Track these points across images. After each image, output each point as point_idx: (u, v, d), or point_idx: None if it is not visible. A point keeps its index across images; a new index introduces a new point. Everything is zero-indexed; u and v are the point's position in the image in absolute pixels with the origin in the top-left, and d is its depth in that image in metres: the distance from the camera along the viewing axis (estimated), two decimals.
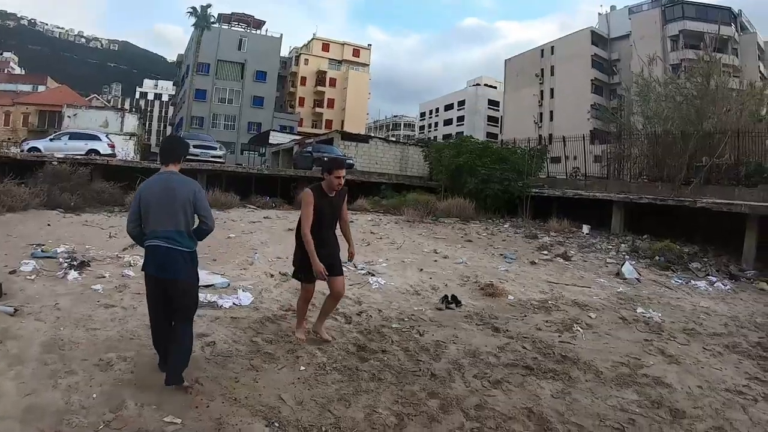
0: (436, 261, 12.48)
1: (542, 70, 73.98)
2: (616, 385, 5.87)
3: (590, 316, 8.69)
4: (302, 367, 5.52)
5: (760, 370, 7.00)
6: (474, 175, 23.98)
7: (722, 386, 6.20)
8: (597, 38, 69.76)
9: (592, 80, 67.25)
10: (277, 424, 4.30)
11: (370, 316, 7.84)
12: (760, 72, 55.15)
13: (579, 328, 7.91)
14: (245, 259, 10.87)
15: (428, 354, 6.41)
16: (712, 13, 57.07)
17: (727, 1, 60.73)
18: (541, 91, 73.50)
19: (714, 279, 12.83)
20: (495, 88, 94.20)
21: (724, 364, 7.04)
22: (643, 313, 9.18)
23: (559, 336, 7.49)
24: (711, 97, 22.20)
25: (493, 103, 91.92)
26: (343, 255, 6.51)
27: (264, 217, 18.65)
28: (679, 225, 17.61)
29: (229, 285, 8.59)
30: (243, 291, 8.18)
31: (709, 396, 5.87)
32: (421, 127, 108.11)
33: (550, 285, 10.83)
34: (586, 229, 19.27)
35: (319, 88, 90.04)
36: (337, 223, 6.46)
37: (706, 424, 5.17)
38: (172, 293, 4.76)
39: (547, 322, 8.17)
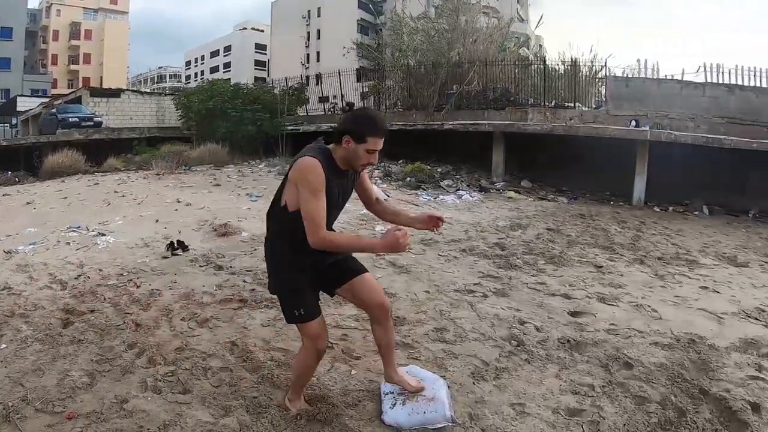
0: (176, 210, 11.35)
1: (309, 11, 73.10)
2: (335, 304, 5.30)
3: None
4: (3, 345, 4.63)
5: (494, 267, 6.95)
6: (226, 118, 22.73)
7: (451, 288, 5.97)
8: None
9: (358, 21, 67.75)
10: None
11: (89, 277, 6.76)
12: (518, 14, 59.24)
13: None
14: None
15: (139, 305, 5.60)
16: None
17: None
18: (308, 33, 72.73)
19: (464, 193, 13.07)
20: (262, 31, 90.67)
21: (458, 267, 6.88)
22: (381, 230, 8.80)
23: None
24: (461, 30, 23.03)
25: (260, 47, 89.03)
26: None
27: (3, 195, 15.96)
28: (436, 149, 18.15)
29: None
30: None
31: (436, 299, 5.57)
32: (188, 77, 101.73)
33: None
34: None
35: (74, 42, 79.52)
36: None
37: (426, 326, 4.83)
38: None
39: None
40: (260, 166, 19.65)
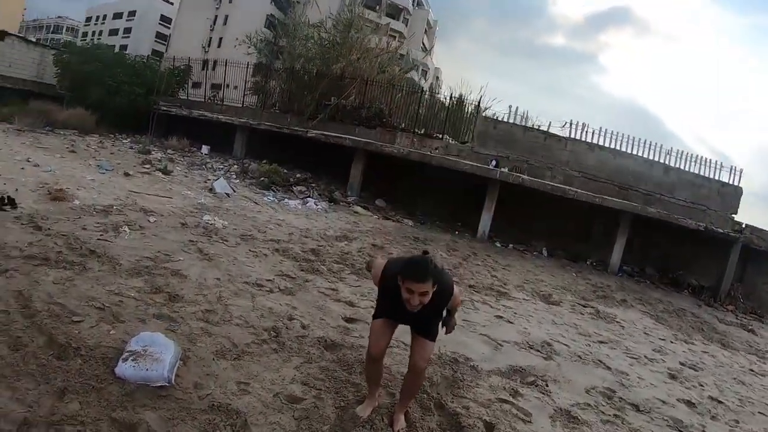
0: (23, 169, 10.84)
1: None
2: (128, 275, 5.53)
3: (149, 220, 8.16)
4: None
5: (296, 269, 7.31)
6: (101, 86, 22.05)
7: (242, 280, 6.26)
8: None
9: (267, 15, 66.60)
10: None
11: None
12: (423, 43, 60.52)
13: (127, 229, 7.35)
14: None
15: None
16: None
17: None
18: (216, 17, 70.80)
19: (311, 200, 13.46)
20: (172, 4, 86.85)
21: (263, 263, 7.21)
22: (208, 220, 9.00)
23: (101, 235, 6.87)
24: (349, 45, 23.46)
25: (165, 20, 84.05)
26: None
27: None
28: (307, 156, 18.43)
29: None
30: None
31: (222, 287, 5.84)
32: (84, 34, 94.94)
33: (130, 194, 10.01)
34: (205, 149, 19.01)
35: None
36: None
37: (198, 307, 5.10)
38: None
39: (98, 223, 7.42)
40: (125, 141, 19.14)
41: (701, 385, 6.86)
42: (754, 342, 11.20)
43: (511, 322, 7.59)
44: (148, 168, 13.69)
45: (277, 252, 7.87)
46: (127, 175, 12.41)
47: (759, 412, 6.38)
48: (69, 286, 4.89)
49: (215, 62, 27.10)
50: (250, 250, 7.68)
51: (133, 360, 3.61)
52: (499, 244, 15.24)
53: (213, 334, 4.55)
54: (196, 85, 27.70)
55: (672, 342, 9.12)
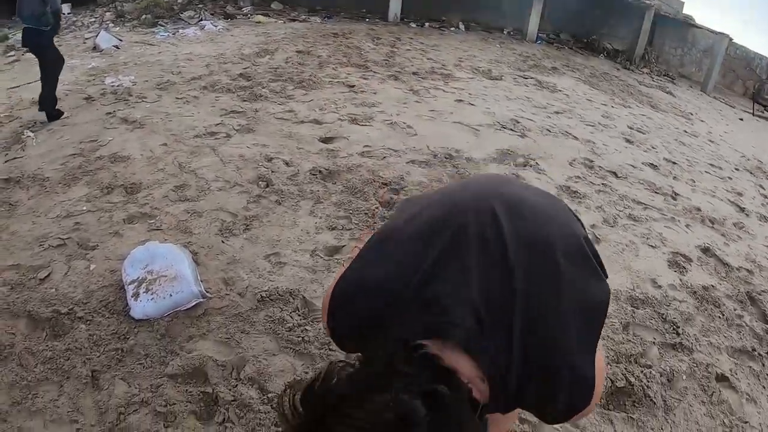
0: None
1: None
2: (65, 187, 4.36)
3: None
4: None
5: (238, 101, 6.46)
6: None
7: (190, 135, 5.31)
8: None
9: None
10: None
11: None
12: None
13: (30, 133, 5.88)
14: None
15: None
16: None
17: None
18: None
19: (207, 23, 12.02)
20: None
21: (199, 108, 6.21)
22: (113, 82, 7.58)
23: (6, 155, 5.43)
24: None
25: None
26: None
27: None
28: None
29: None
30: None
31: (175, 151, 4.90)
32: None
33: (10, 92, 7.88)
34: (66, 8, 16.21)
35: None
36: None
37: (166, 186, 4.21)
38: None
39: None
40: None
41: (653, 148, 7.26)
42: (675, 104, 11.88)
43: (473, 104, 7.39)
44: (14, 54, 11.51)
45: (206, 89, 6.86)
46: None
47: (705, 172, 6.84)
48: (9, 237, 3.66)
49: None
50: (176, 98, 6.58)
51: (145, 291, 2.80)
52: (414, 25, 14.61)
53: (202, 212, 3.80)
54: None
55: (613, 107, 9.48)
